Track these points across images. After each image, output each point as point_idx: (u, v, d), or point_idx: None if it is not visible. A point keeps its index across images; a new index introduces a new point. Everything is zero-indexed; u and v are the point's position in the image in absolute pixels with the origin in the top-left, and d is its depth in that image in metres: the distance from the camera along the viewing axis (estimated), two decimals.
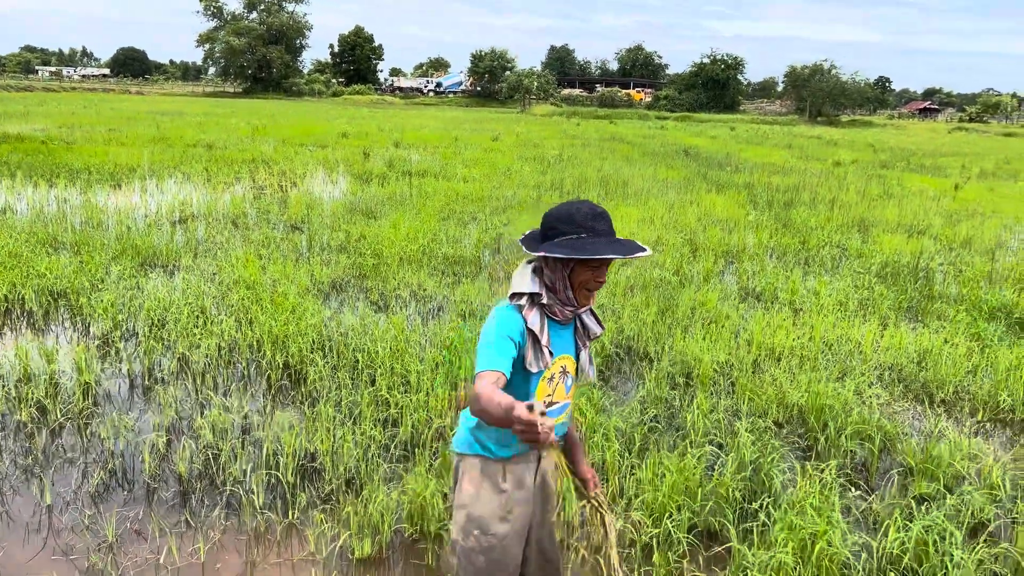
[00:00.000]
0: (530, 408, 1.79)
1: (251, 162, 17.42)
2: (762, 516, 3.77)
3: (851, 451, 4.66)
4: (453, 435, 2.56)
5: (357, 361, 5.54)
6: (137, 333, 6.14)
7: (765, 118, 77.80)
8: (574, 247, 2.18)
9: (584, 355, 2.50)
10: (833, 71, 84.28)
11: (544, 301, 2.29)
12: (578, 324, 2.47)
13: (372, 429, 4.54)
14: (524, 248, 2.28)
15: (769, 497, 3.96)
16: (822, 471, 4.18)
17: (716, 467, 4.20)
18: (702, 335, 6.32)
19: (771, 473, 4.13)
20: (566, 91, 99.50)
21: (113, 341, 5.97)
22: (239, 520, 3.80)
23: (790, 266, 9.35)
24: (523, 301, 2.27)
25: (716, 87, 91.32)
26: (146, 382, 5.34)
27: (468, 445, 2.46)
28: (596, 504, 2.62)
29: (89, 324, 6.34)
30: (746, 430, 4.54)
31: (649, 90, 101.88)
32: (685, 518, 3.66)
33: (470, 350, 5.59)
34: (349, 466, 4.21)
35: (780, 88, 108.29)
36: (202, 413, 4.81)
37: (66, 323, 6.44)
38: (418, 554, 3.59)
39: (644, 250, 2.23)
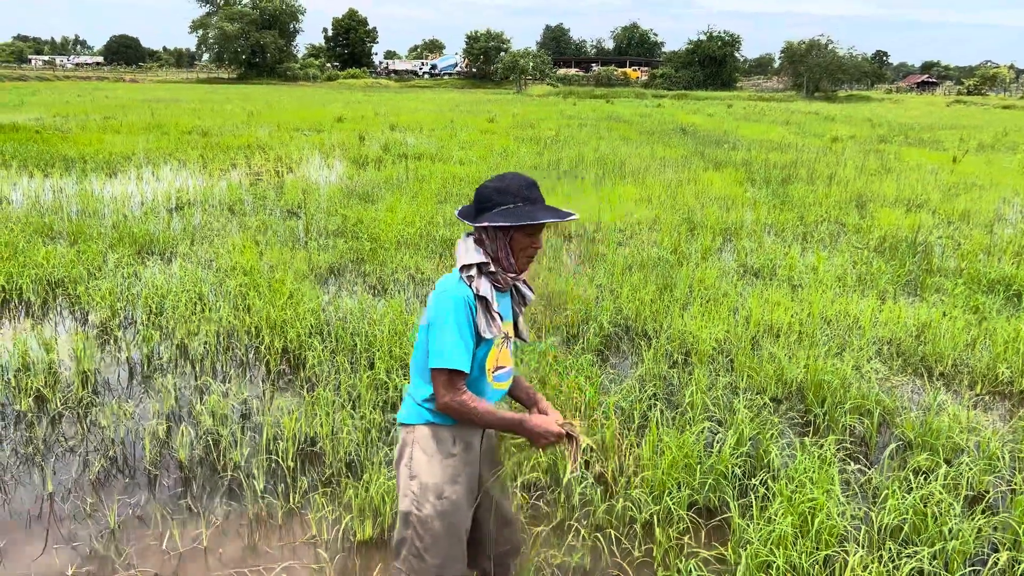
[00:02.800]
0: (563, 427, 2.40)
1: (247, 148, 17.36)
2: (761, 490, 3.78)
3: (850, 426, 4.67)
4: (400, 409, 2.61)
5: (356, 345, 5.54)
6: (136, 321, 6.14)
7: (762, 95, 77.41)
8: (514, 215, 2.33)
9: (521, 320, 2.64)
10: (830, 46, 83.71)
11: (492, 270, 2.41)
12: (514, 292, 2.60)
13: (372, 412, 4.55)
14: (463, 220, 2.41)
15: (768, 472, 3.97)
16: (821, 446, 4.20)
17: (715, 443, 4.21)
18: (700, 313, 6.32)
19: (770, 449, 4.15)
20: (562, 71, 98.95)
21: (112, 329, 5.97)
22: (240, 505, 3.82)
23: (788, 242, 9.33)
24: (472, 272, 2.38)
25: (713, 64, 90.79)
26: (145, 370, 5.34)
27: (417, 415, 2.51)
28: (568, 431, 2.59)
29: (88, 313, 6.33)
30: (745, 406, 4.55)
31: (645, 68, 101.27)
32: (685, 495, 3.67)
33: None
34: (349, 450, 4.22)
35: (777, 64, 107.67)
36: (201, 399, 4.82)
37: (64, 312, 6.44)
38: None
39: (573, 215, 2.42)
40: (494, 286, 2.43)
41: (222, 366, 5.40)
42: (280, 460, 4.14)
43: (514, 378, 2.70)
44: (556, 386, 4.66)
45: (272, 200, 11.23)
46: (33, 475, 4.05)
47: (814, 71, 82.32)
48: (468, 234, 2.47)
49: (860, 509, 3.77)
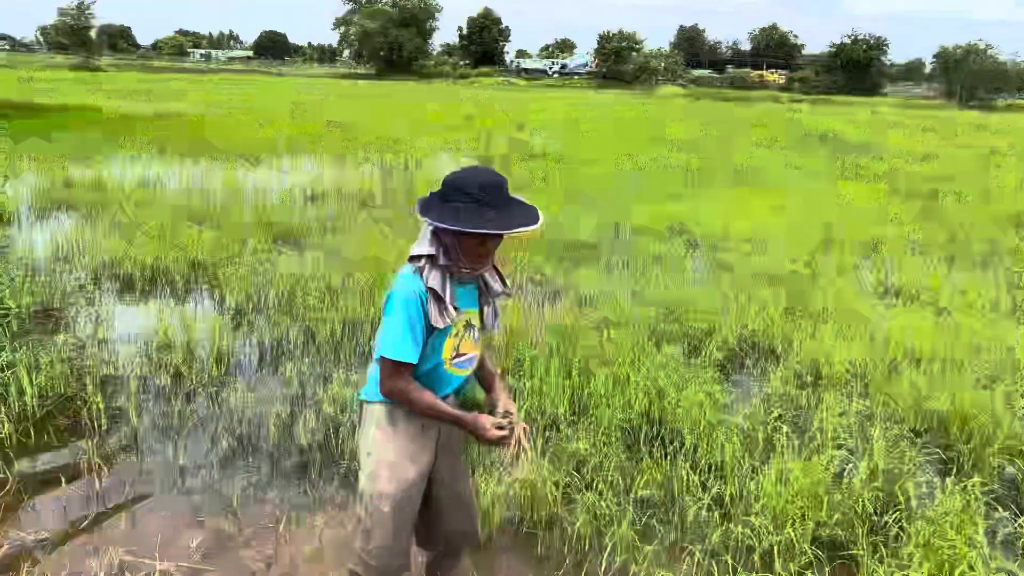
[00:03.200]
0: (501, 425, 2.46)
1: (380, 143, 17.91)
2: (895, 529, 3.51)
3: (999, 467, 4.27)
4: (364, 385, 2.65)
5: None
6: (268, 306, 6.41)
7: (910, 102, 72.97)
8: (456, 216, 2.27)
9: (488, 310, 2.61)
10: (989, 51, 77.89)
11: (442, 262, 2.37)
12: (482, 284, 2.56)
13: (486, 409, 4.54)
14: (416, 207, 2.36)
15: (903, 511, 3.68)
16: (964, 487, 3.85)
17: (845, 474, 3.94)
18: (834, 332, 5.96)
19: (906, 485, 3.84)
20: (695, 72, 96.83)
21: (245, 313, 6.26)
22: (355, 494, 3.89)
23: (934, 262, 8.70)
24: (422, 263, 2.37)
25: (856, 69, 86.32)
26: (274, 354, 5.56)
27: (376, 393, 2.52)
28: (510, 424, 2.55)
29: (224, 295, 6.67)
30: (880, 436, 4.24)
31: (783, 72, 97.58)
32: (810, 527, 3.46)
33: (584, 336, 5.52)
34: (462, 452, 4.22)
35: (928, 70, 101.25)
36: (324, 386, 4.96)
37: (203, 293, 6.81)
38: (528, 541, 3.56)
39: (530, 224, 2.30)
40: (451, 276, 2.41)
41: (346, 355, 5.55)
42: None
43: (481, 360, 2.70)
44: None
45: (402, 194, 11.50)
46: (167, 448, 4.28)
47: (970, 78, 76.84)
48: (430, 222, 2.40)
49: (1008, 564, 3.42)
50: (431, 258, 2.37)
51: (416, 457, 2.55)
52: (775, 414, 4.65)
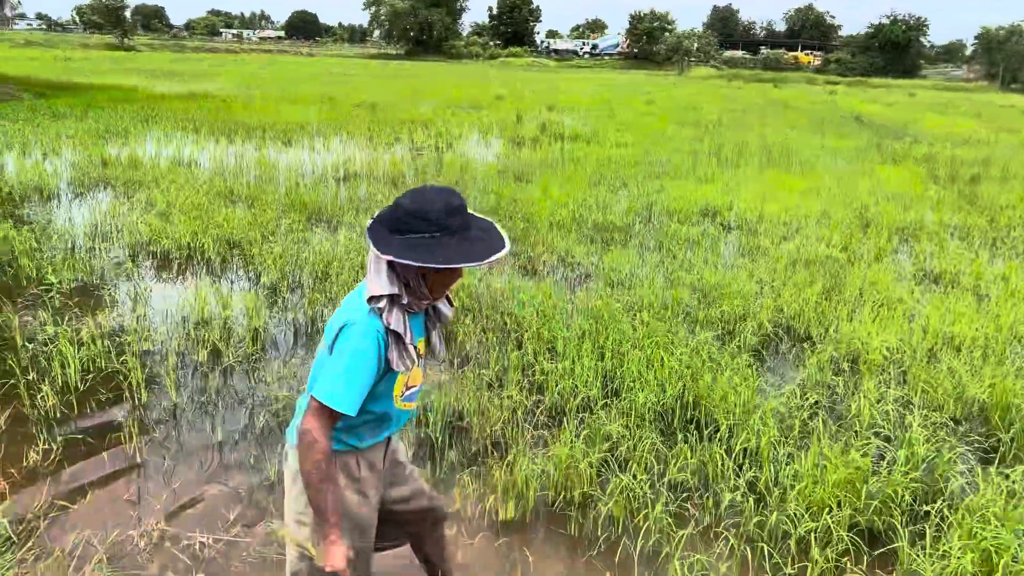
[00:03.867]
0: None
1: (410, 123, 17.91)
2: (935, 519, 3.46)
3: None
4: (288, 433, 2.43)
5: (505, 324, 5.56)
6: (302, 284, 6.46)
7: (950, 84, 71.37)
8: (427, 251, 2.04)
9: (435, 335, 2.40)
10: None
11: (404, 301, 2.16)
12: (430, 309, 2.36)
13: (518, 394, 4.55)
14: (370, 242, 2.09)
15: (944, 501, 3.63)
16: (1007, 476, 3.79)
17: (883, 462, 3.89)
18: (871, 318, 5.87)
19: (947, 474, 3.79)
20: (728, 53, 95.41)
21: (280, 291, 6.32)
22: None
23: (975, 248, 8.53)
24: (382, 304, 2.13)
25: (894, 50, 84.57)
26: (309, 331, 5.61)
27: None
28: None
29: (260, 274, 6.73)
30: (919, 424, 4.18)
31: (819, 53, 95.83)
32: (846, 514, 3.42)
33: (618, 320, 5.49)
34: (496, 429, 4.24)
35: (969, 52, 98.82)
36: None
37: (239, 271, 6.87)
38: (561, 521, 3.57)
39: (502, 248, 2.10)
40: (408, 312, 2.20)
41: None
42: (428, 432, 4.22)
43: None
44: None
45: (432, 175, 11.51)
46: (205, 423, 4.34)
47: (1013, 60, 74.90)
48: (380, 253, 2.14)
49: None
50: (392, 298, 2.14)
51: (368, 497, 2.39)
52: (811, 400, 4.60)
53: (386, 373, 2.21)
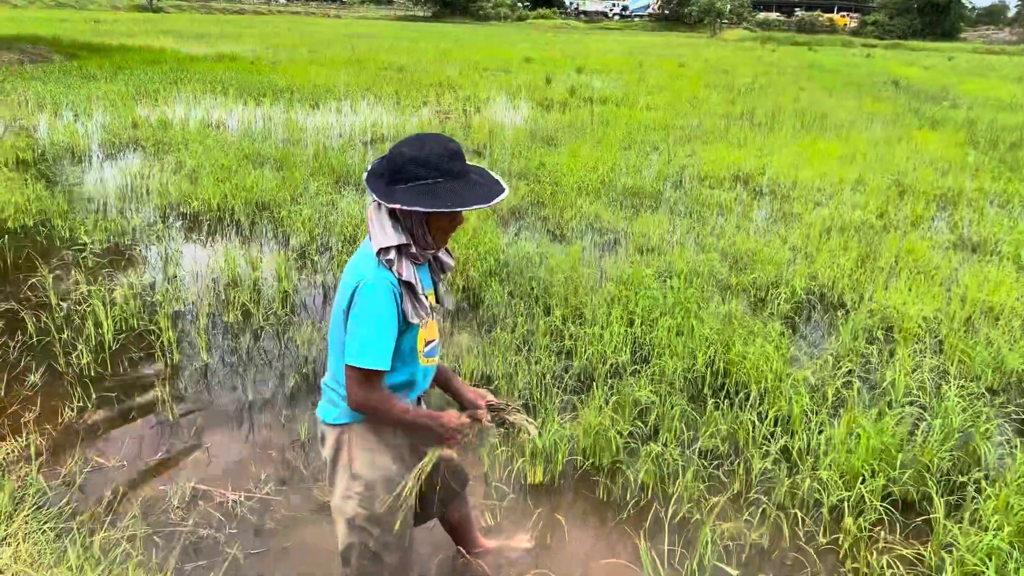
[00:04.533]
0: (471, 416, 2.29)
1: (437, 86, 17.76)
2: (971, 490, 3.40)
3: None
4: (320, 408, 2.41)
5: (533, 289, 5.53)
6: (331, 247, 6.47)
7: (991, 47, 69.20)
8: (431, 197, 2.03)
9: (441, 286, 2.41)
10: None
11: (413, 251, 2.15)
12: (431, 260, 2.36)
13: (547, 359, 4.53)
14: (373, 196, 2.09)
15: (981, 472, 3.56)
16: None
17: (918, 432, 3.83)
18: (907, 286, 5.76)
19: (984, 445, 3.72)
20: (761, 15, 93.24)
21: (309, 254, 6.32)
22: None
23: (1016, 215, 8.30)
24: (392, 255, 2.12)
25: (933, 12, 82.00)
26: None
27: (349, 413, 2.28)
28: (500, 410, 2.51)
29: (289, 236, 6.74)
30: (955, 394, 4.10)
31: (855, 15, 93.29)
32: (880, 484, 3.37)
33: (645, 284, 5.43)
34: (523, 392, 4.23)
35: (1012, 13, 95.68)
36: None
37: (268, 234, 6.89)
38: (590, 486, 3.57)
39: (503, 190, 2.11)
40: (415, 263, 2.19)
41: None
42: None
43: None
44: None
45: (459, 139, 11.41)
46: (236, 383, 4.38)
47: None
48: (380, 203, 2.14)
49: None
50: (400, 248, 2.13)
51: (404, 459, 2.38)
52: (844, 368, 4.53)
53: (406, 329, 2.20)
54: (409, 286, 2.14)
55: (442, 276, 2.40)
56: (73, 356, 4.47)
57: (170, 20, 48.52)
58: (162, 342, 4.67)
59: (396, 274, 2.12)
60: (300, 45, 29.58)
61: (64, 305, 5.11)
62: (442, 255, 2.37)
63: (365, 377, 2.12)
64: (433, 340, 2.36)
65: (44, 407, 4.00)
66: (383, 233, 2.12)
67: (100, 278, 5.61)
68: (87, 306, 4.99)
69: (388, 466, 2.33)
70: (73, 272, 5.70)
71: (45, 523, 3.02)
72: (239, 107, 13.56)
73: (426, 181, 2.05)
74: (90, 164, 9.19)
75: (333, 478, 2.37)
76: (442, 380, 2.55)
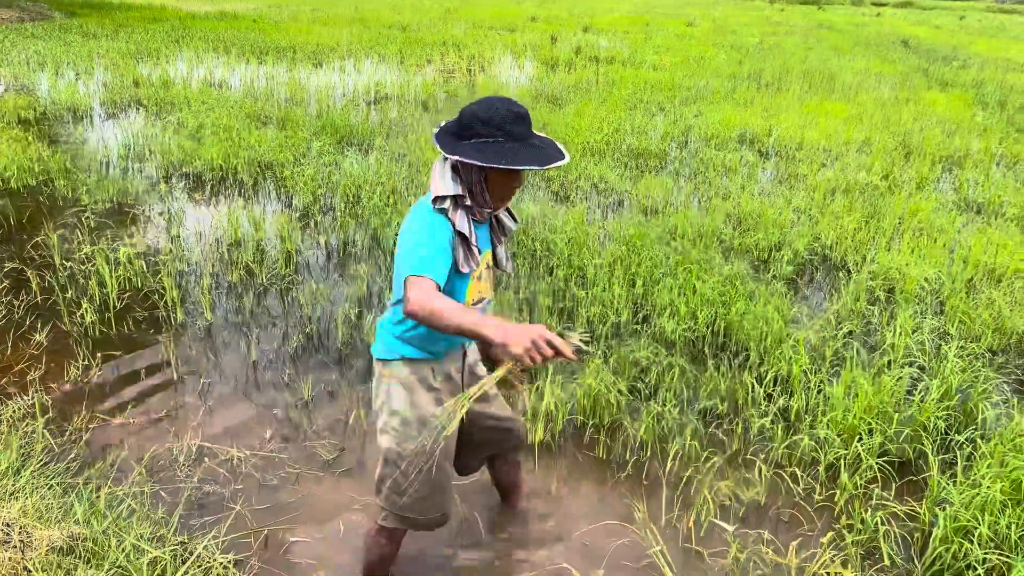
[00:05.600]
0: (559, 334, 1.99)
1: (442, 45, 17.54)
2: (967, 449, 3.43)
3: None
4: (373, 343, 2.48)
5: (536, 251, 5.53)
6: (334, 208, 6.46)
7: (1003, 6, 67.88)
8: (490, 153, 2.10)
9: (501, 249, 2.47)
10: None
11: (468, 203, 2.21)
12: (493, 221, 2.42)
13: (548, 319, 4.55)
14: (438, 146, 2.16)
15: (977, 431, 3.59)
16: None
17: (916, 392, 3.85)
18: (910, 248, 5.74)
19: (981, 404, 3.74)
20: None
21: (312, 214, 6.32)
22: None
23: (1022, 177, 8.24)
24: (447, 204, 2.18)
25: None
26: (341, 255, 5.63)
27: (393, 350, 2.38)
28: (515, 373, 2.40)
29: (292, 196, 6.73)
30: (954, 354, 4.12)
31: None
32: (876, 442, 3.41)
33: (648, 245, 5.43)
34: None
35: None
36: (391, 288, 5.02)
37: (271, 194, 6.88)
38: (590, 445, 3.61)
39: (563, 158, 2.17)
40: (471, 218, 2.25)
41: None
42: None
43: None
44: None
45: (464, 98, 11.31)
46: (240, 342, 4.41)
47: None
48: (446, 157, 2.22)
49: None
50: (456, 199, 2.20)
51: (441, 404, 2.43)
52: (845, 329, 4.54)
53: (456, 275, 2.25)
54: (462, 236, 2.20)
55: (503, 238, 2.46)
56: (78, 315, 4.50)
57: None
58: (166, 301, 4.70)
59: (451, 222, 2.19)
60: (303, 3, 29.17)
61: (68, 265, 5.13)
62: (503, 217, 2.43)
63: (420, 283, 2.06)
64: (485, 298, 2.43)
65: (50, 365, 4.04)
66: (442, 183, 2.19)
67: (104, 238, 5.62)
68: (91, 265, 5.01)
69: (425, 406, 2.40)
70: (77, 232, 5.72)
71: (52, 479, 3.07)
72: (241, 66, 13.43)
73: (487, 139, 2.13)
74: (92, 123, 9.15)
75: (377, 410, 2.48)
76: None
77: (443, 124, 2.25)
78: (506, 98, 2.20)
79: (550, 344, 1.94)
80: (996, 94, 13.68)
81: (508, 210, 2.46)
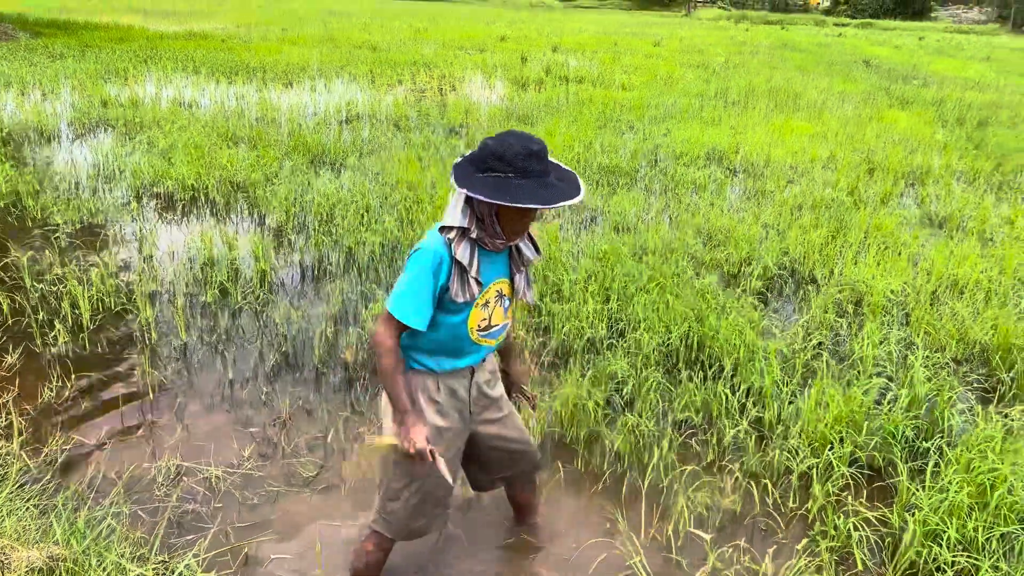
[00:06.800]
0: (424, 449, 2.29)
1: (412, 65, 17.65)
2: (935, 456, 3.53)
3: None
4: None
5: None
6: (308, 226, 6.46)
7: (960, 27, 69.84)
8: (499, 190, 2.15)
9: (520, 279, 2.49)
10: None
11: (473, 235, 2.28)
12: (513, 251, 2.47)
13: (525, 334, 4.59)
14: (452, 177, 2.23)
15: (943, 438, 3.70)
16: (1006, 415, 3.86)
17: (885, 401, 3.95)
18: (876, 261, 5.89)
19: (947, 413, 3.85)
20: None
21: (286, 233, 6.32)
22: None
23: (981, 192, 8.48)
24: (452, 235, 2.28)
25: None
26: (316, 273, 5.63)
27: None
28: (524, 397, 2.81)
29: (265, 215, 6.73)
30: (920, 364, 4.23)
31: None
32: (847, 450, 3.49)
33: (622, 262, 5.51)
34: None
35: None
36: (366, 306, 5.03)
37: (244, 213, 6.87)
38: (569, 457, 3.65)
39: (572, 197, 2.19)
40: (482, 248, 2.32)
41: (386, 275, 5.60)
42: None
43: (507, 339, 2.70)
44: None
45: (435, 118, 11.39)
46: (216, 361, 4.40)
47: None
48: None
49: None
50: (462, 231, 2.28)
51: (443, 415, 2.49)
52: (815, 341, 4.64)
53: (456, 305, 2.33)
54: (460, 266, 2.28)
55: (523, 268, 2.49)
56: (50, 336, 4.46)
57: None
58: (140, 322, 4.67)
59: (452, 252, 2.27)
60: (272, 23, 29.17)
61: (39, 286, 5.08)
62: (524, 248, 2.47)
63: (389, 320, 2.30)
64: (497, 324, 2.48)
65: (23, 387, 3.99)
66: (452, 213, 2.28)
67: (75, 259, 5.58)
68: (63, 286, 4.97)
69: (428, 419, 2.45)
70: (47, 253, 5.66)
71: (28, 500, 3.04)
72: (211, 86, 13.39)
73: (499, 175, 2.17)
74: (60, 144, 9.06)
75: (382, 416, 2.54)
76: (504, 350, 2.76)
77: (467, 155, 2.30)
78: (524, 134, 2.23)
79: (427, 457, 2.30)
80: (955, 112, 14.07)
81: (532, 240, 2.50)
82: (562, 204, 2.18)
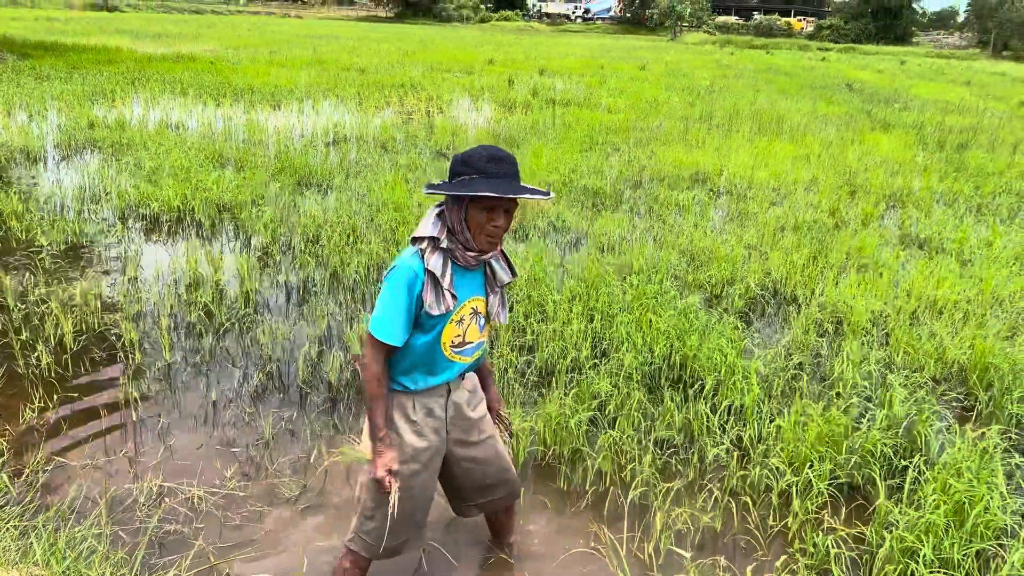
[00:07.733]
0: (389, 472, 2.40)
1: (400, 87, 17.77)
2: (912, 474, 3.57)
3: (1019, 416, 4.30)
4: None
5: None
6: (293, 247, 6.49)
7: (941, 52, 70.96)
8: (460, 186, 2.26)
9: (494, 299, 2.54)
10: None
11: (444, 245, 2.34)
12: (487, 271, 2.51)
13: (509, 353, 4.62)
14: (424, 188, 2.34)
15: (921, 456, 3.74)
16: (983, 435, 3.91)
17: (864, 420, 4.00)
18: (856, 282, 5.96)
19: (925, 431, 3.89)
20: (721, 18, 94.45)
21: (272, 254, 6.34)
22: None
23: (960, 214, 8.61)
24: (424, 245, 2.34)
25: (887, 16, 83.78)
26: (301, 294, 5.65)
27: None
28: (501, 423, 2.85)
29: (250, 237, 6.74)
30: (900, 384, 4.29)
31: (812, 19, 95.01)
32: (827, 469, 3.53)
33: (608, 283, 5.55)
34: None
35: (961, 19, 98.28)
36: (351, 326, 5.05)
37: (230, 234, 6.88)
38: (551, 475, 3.67)
39: (536, 194, 2.28)
40: (454, 261, 2.37)
41: (371, 296, 5.63)
42: None
43: (482, 363, 2.73)
44: None
45: (422, 140, 11.47)
46: (200, 382, 4.40)
47: (1005, 27, 74.52)
48: (437, 204, 2.42)
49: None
50: (433, 240, 2.34)
51: (420, 435, 2.52)
52: (795, 361, 4.69)
53: (430, 318, 2.36)
54: (432, 276, 2.33)
55: (497, 289, 2.54)
56: (33, 357, 4.45)
57: (126, 19, 47.67)
58: (123, 343, 4.67)
59: (425, 263, 2.33)
60: (261, 45, 29.31)
61: (22, 307, 5.07)
62: (496, 267, 2.51)
63: (372, 341, 2.37)
64: (471, 342, 2.52)
65: (4, 408, 3.98)
66: (424, 224, 2.36)
67: (59, 279, 5.57)
68: (46, 307, 4.96)
69: (404, 436, 2.50)
70: (31, 273, 5.65)
71: (8, 521, 3.03)
72: (199, 108, 13.44)
73: (463, 177, 2.28)
74: (46, 165, 9.06)
75: (365, 436, 2.57)
76: (479, 374, 2.75)
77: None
78: (494, 146, 2.34)
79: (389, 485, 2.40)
80: (935, 135, 14.28)
81: (508, 261, 2.54)
82: (523, 196, 2.27)
